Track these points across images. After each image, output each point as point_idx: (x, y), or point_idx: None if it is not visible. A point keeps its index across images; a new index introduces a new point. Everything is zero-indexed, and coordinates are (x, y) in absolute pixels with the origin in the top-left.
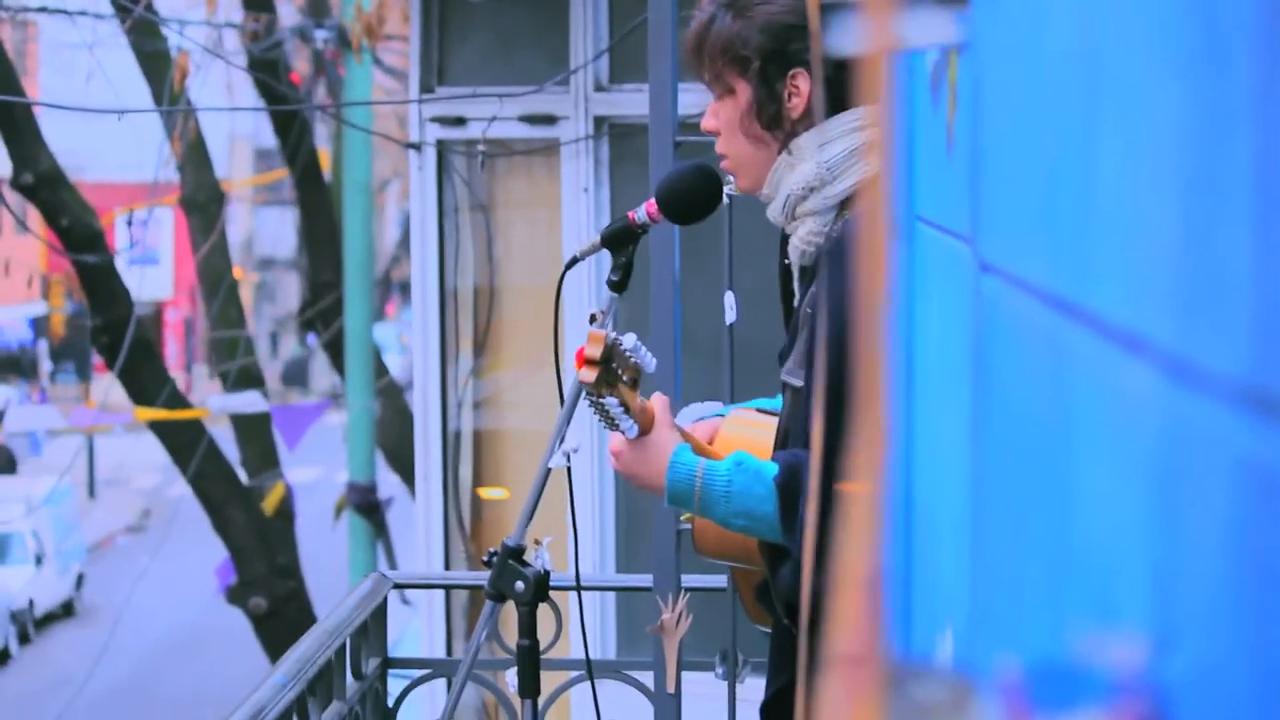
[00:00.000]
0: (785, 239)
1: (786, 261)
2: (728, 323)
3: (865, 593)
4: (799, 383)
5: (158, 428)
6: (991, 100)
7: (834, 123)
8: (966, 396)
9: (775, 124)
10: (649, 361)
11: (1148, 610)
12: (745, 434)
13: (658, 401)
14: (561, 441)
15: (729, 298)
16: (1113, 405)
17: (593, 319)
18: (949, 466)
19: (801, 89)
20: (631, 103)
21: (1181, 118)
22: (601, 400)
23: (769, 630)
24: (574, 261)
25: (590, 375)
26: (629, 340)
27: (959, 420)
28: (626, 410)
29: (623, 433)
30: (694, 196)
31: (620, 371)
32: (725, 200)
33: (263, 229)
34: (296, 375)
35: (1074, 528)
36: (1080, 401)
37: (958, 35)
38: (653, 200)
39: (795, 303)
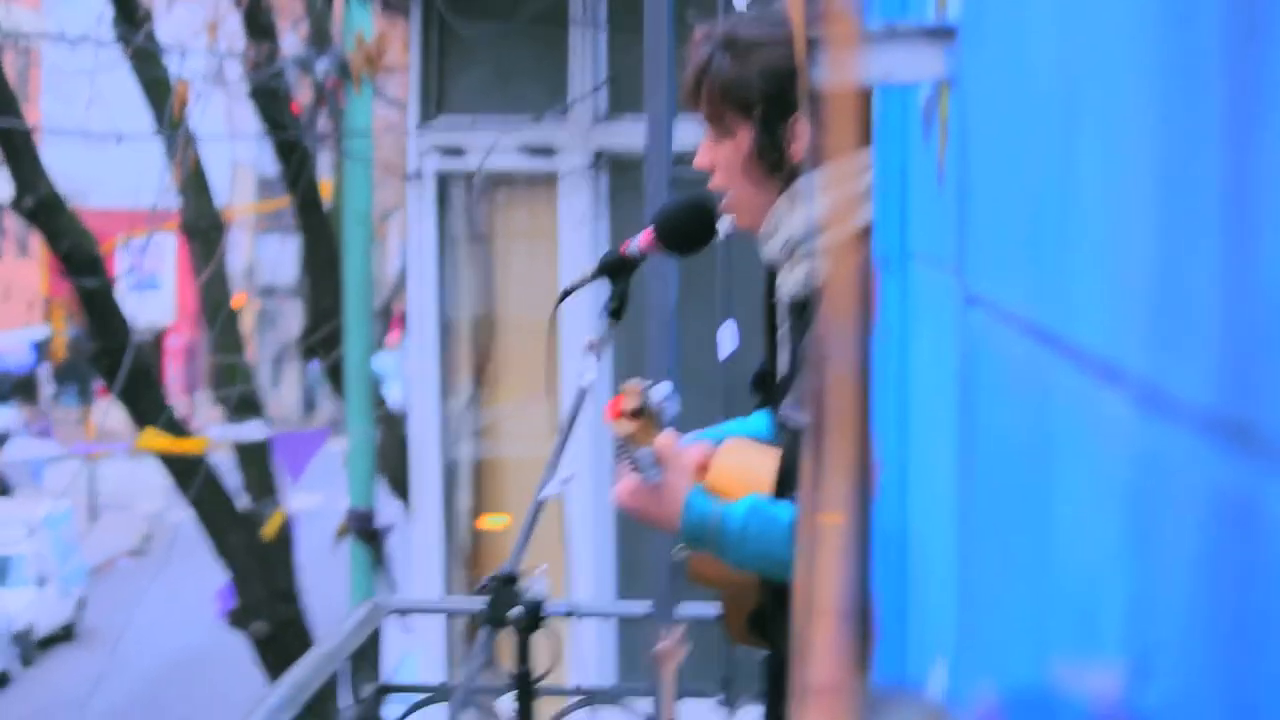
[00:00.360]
0: (771, 273)
1: (774, 301)
2: (729, 351)
3: (836, 623)
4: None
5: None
6: (977, 133)
7: (835, 169)
8: (955, 422)
9: (777, 168)
10: (674, 410)
11: (1123, 638)
12: (742, 464)
13: (666, 442)
14: (556, 471)
15: (729, 327)
16: (1091, 435)
17: (590, 346)
18: (940, 497)
19: (803, 134)
20: (631, 134)
21: (1155, 152)
22: (635, 452)
23: (764, 651)
24: (568, 292)
25: (628, 428)
26: (662, 390)
27: (949, 452)
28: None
29: (645, 479)
30: (689, 229)
31: (646, 419)
32: (721, 235)
33: (265, 256)
34: (310, 401)
35: (1054, 557)
36: (1060, 431)
37: (947, 69)
38: (648, 231)
39: (778, 336)
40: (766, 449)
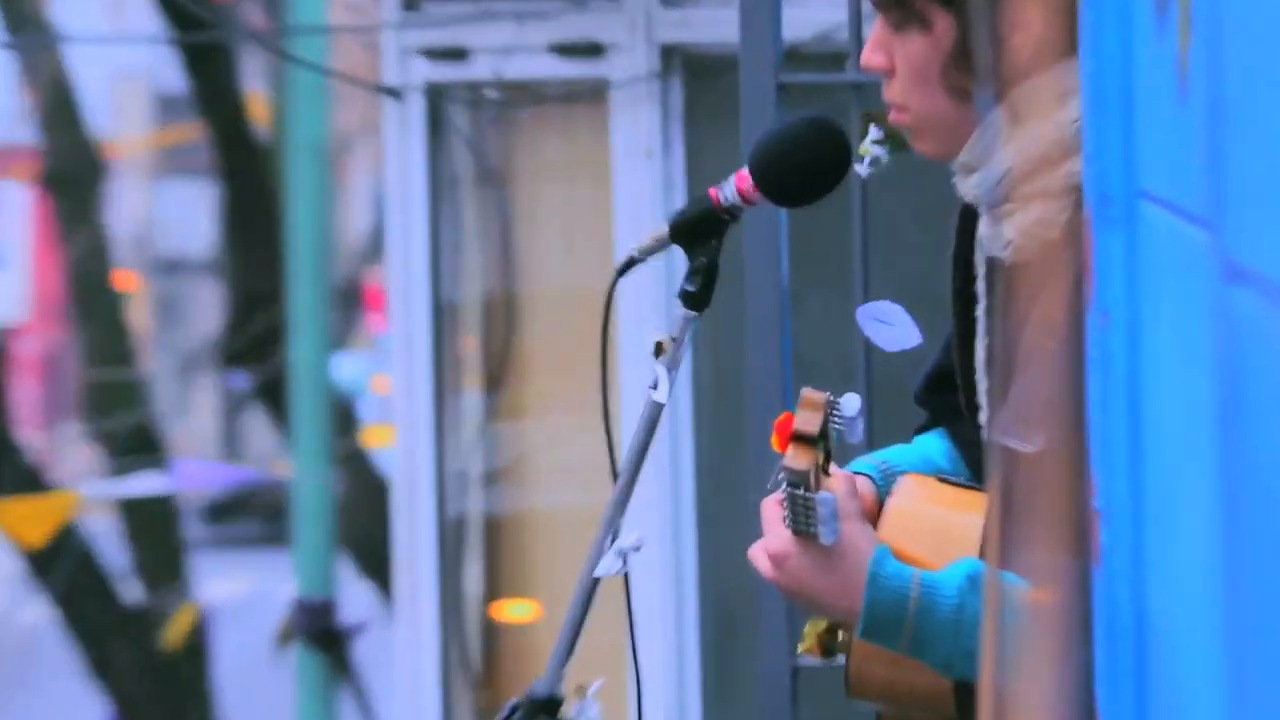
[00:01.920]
0: (966, 219)
1: (988, 257)
2: (904, 345)
3: None
4: None
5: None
6: (1235, 22)
7: (1075, 68)
8: (1214, 453)
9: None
10: (859, 435)
11: None
12: (931, 514)
13: (840, 481)
14: (615, 537)
15: (892, 311)
16: None
17: (659, 349)
18: (1194, 556)
19: (1029, 25)
20: (714, 23)
21: None
22: (811, 497)
23: None
24: (630, 264)
25: (803, 462)
26: (851, 406)
27: (1205, 489)
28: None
29: (816, 536)
30: (807, 165)
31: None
32: (861, 172)
33: (165, 214)
34: (234, 435)
35: None
36: None
37: None
38: (745, 171)
39: (976, 314)
40: (962, 491)
